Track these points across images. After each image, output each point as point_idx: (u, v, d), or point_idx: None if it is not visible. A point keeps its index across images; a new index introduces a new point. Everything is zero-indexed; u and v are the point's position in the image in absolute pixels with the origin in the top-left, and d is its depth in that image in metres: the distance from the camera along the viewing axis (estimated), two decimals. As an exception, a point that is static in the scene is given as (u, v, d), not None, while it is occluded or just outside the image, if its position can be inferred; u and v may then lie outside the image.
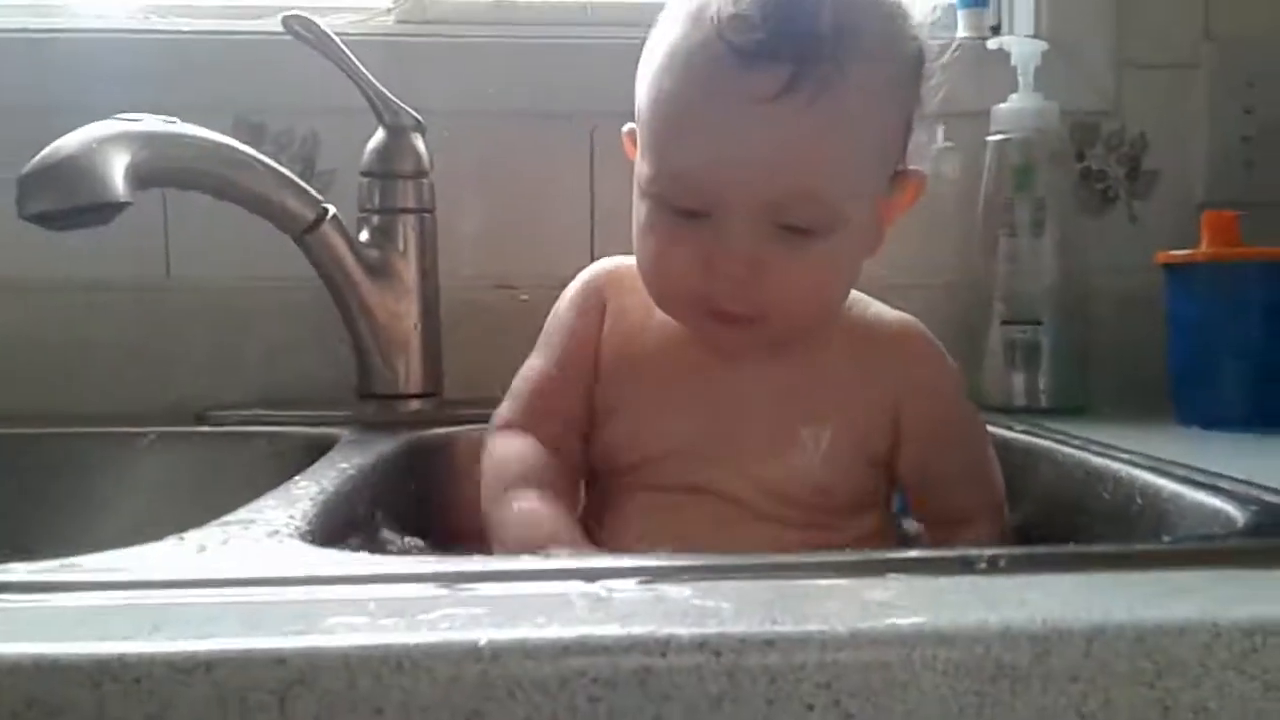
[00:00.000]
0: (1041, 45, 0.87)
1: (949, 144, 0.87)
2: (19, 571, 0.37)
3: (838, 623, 0.30)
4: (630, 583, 0.34)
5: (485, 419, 0.66)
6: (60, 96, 0.87)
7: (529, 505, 0.55)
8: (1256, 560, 0.37)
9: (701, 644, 0.29)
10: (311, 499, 0.50)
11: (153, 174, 0.65)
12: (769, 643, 0.29)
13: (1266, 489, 0.48)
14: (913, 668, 0.29)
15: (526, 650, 0.29)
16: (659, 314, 0.59)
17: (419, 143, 0.81)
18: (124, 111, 0.66)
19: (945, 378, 0.62)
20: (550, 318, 0.65)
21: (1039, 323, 0.85)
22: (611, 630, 0.29)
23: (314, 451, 0.72)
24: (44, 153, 0.61)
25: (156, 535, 0.43)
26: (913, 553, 0.42)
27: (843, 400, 0.58)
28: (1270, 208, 0.94)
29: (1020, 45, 0.87)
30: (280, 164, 0.88)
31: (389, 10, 0.96)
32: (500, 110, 0.91)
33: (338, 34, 0.79)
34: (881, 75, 0.54)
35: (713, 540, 0.54)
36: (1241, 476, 0.51)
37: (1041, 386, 0.85)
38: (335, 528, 0.50)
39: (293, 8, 0.78)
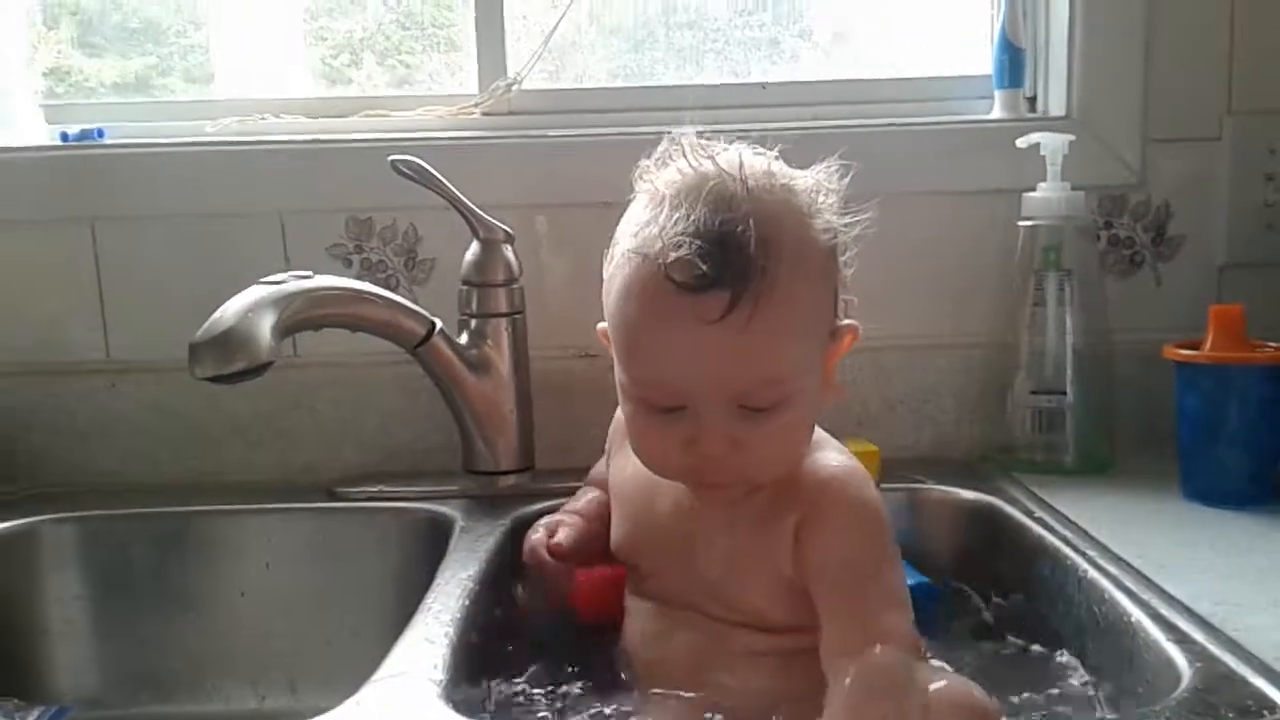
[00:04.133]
0: (1069, 138, 0.95)
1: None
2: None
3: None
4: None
5: (569, 493, 0.85)
6: (202, 202, 1.02)
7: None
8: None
9: None
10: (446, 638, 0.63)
11: (294, 325, 0.78)
12: None
13: (1219, 636, 0.59)
14: None
15: None
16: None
17: (509, 253, 0.93)
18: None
19: (851, 516, 0.64)
20: None
21: (1064, 393, 0.95)
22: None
23: (433, 526, 0.87)
24: (210, 322, 0.74)
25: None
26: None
27: (758, 524, 0.66)
28: (1289, 265, 1.03)
29: (1049, 139, 0.95)
30: (385, 254, 1.02)
31: (476, 105, 1.07)
32: (577, 201, 1.02)
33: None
34: (804, 270, 0.62)
35: (695, 652, 0.68)
36: (1205, 613, 0.62)
37: (1068, 451, 0.96)
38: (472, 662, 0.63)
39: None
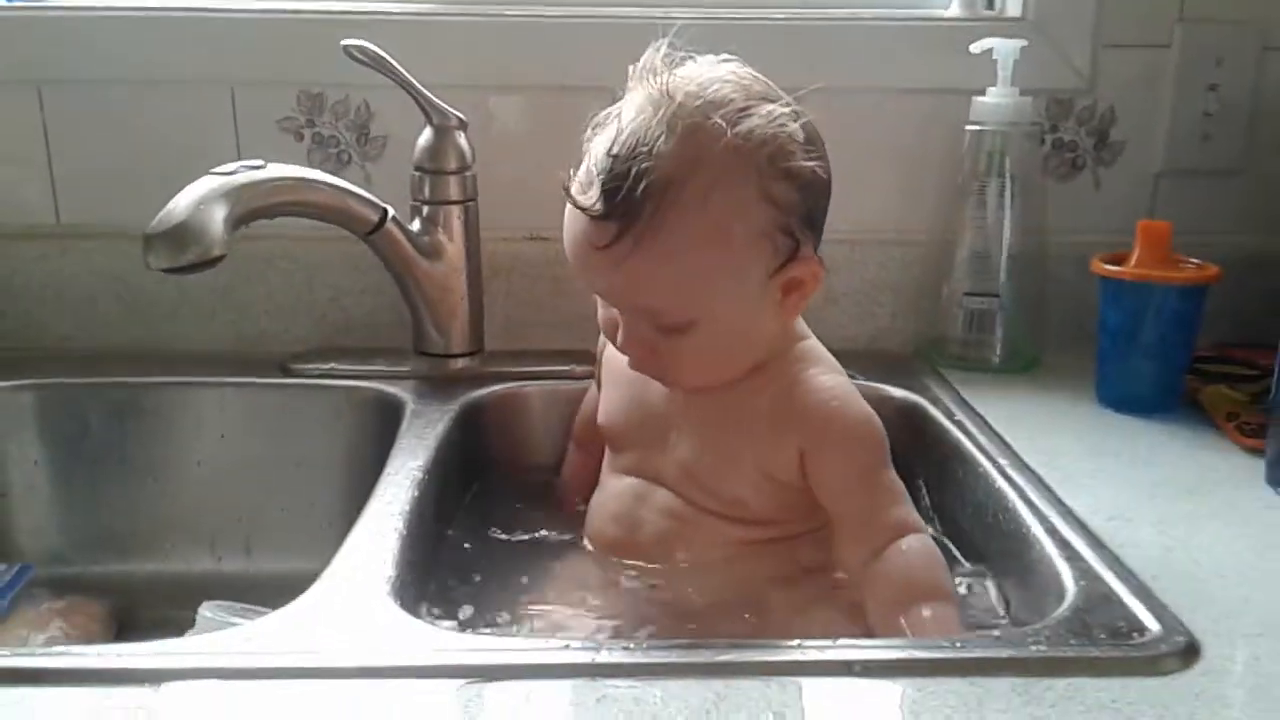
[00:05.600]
0: (1021, 43, 0.96)
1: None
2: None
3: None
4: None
5: (515, 377, 0.94)
6: (153, 70, 1.01)
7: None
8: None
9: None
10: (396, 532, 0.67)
11: (246, 216, 0.79)
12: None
13: (1105, 553, 0.64)
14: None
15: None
16: None
17: (463, 140, 0.93)
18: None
19: (850, 435, 0.71)
20: None
21: (996, 295, 0.99)
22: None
23: (383, 406, 0.91)
24: (161, 214, 0.75)
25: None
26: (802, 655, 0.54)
27: (753, 438, 0.72)
28: (1222, 175, 1.06)
29: (1002, 44, 0.96)
30: (338, 130, 1.02)
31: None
32: (532, 83, 1.02)
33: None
34: (711, 219, 0.64)
35: (665, 520, 0.74)
36: (1097, 527, 0.68)
37: (996, 351, 1.00)
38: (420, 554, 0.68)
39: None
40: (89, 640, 0.84)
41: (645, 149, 0.62)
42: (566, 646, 0.55)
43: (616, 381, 0.79)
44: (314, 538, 0.95)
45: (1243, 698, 0.52)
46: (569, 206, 0.67)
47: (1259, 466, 0.78)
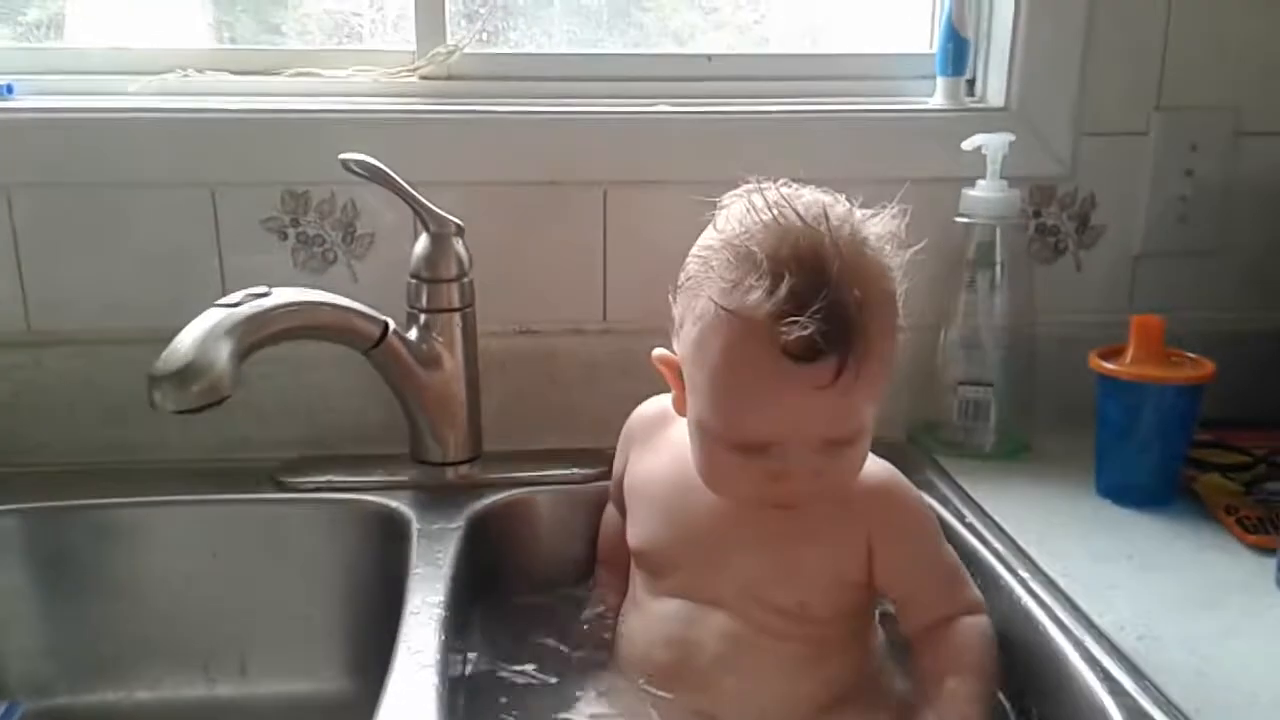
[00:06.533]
0: (1009, 137, 0.98)
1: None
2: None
3: None
4: None
5: (517, 483, 0.93)
6: (129, 172, 0.97)
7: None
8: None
9: None
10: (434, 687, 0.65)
11: (253, 346, 0.77)
12: None
13: (1145, 683, 0.65)
14: None
15: None
16: (672, 457, 0.76)
17: (459, 246, 0.92)
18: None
19: (913, 519, 0.76)
20: None
21: (989, 384, 1.00)
22: None
23: (384, 520, 0.89)
24: (166, 353, 0.73)
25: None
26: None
27: (822, 537, 0.73)
28: (1198, 255, 1.09)
29: (992, 140, 0.97)
30: (323, 229, 1.00)
31: (413, 69, 1.03)
32: (521, 179, 1.01)
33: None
34: (889, 321, 0.68)
35: (717, 641, 0.73)
36: (1129, 650, 0.69)
37: (989, 438, 1.02)
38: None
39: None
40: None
41: (824, 273, 0.63)
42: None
43: (650, 503, 0.78)
44: (312, 656, 0.93)
45: None
46: (746, 367, 0.65)
47: (1267, 566, 0.80)
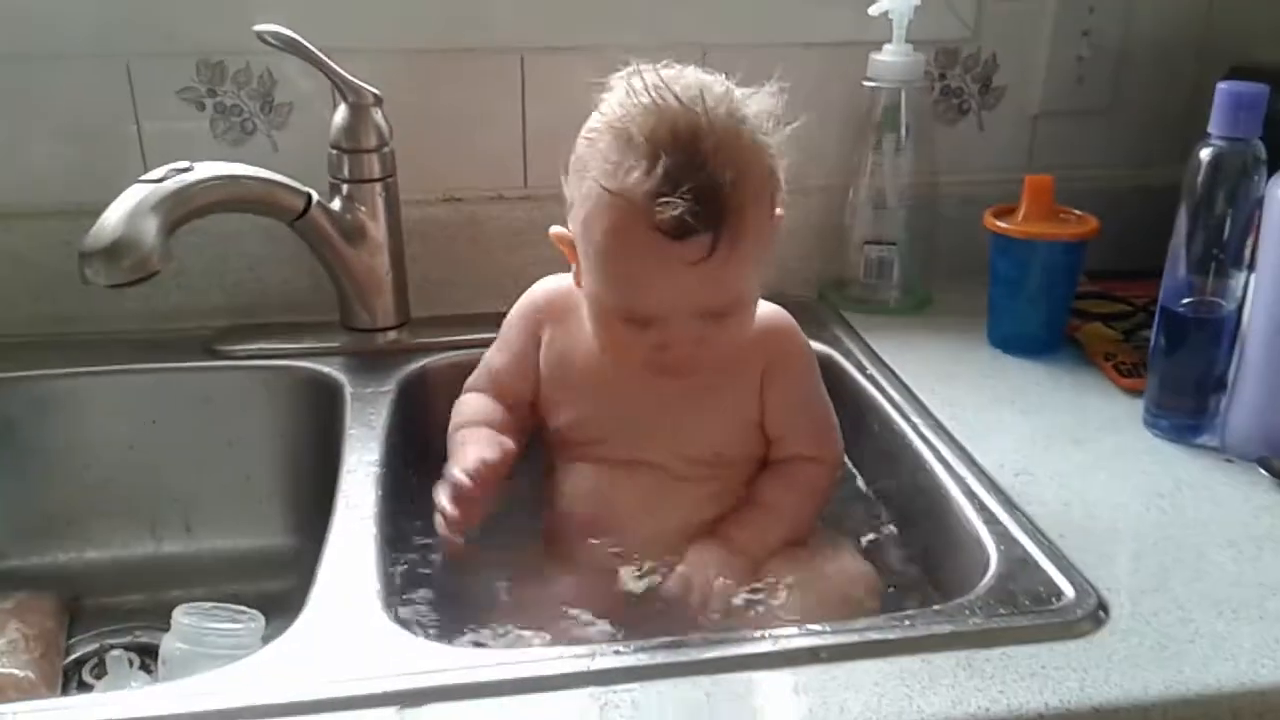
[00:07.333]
0: (915, 1, 1.00)
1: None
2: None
3: None
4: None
5: (445, 347, 0.97)
6: (42, 44, 0.97)
7: (475, 433, 0.80)
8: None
9: None
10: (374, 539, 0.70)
11: (179, 221, 0.79)
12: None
13: (1018, 515, 0.73)
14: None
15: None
16: (590, 334, 0.79)
17: (379, 117, 0.93)
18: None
19: (796, 359, 0.82)
20: (504, 324, 0.85)
21: (894, 243, 1.06)
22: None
23: (318, 385, 0.93)
24: (94, 229, 0.75)
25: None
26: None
27: (729, 383, 0.79)
28: (1093, 115, 1.14)
29: (897, 4, 1.00)
30: (240, 99, 1.00)
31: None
32: (442, 46, 1.02)
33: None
34: (762, 197, 0.71)
35: (642, 496, 0.79)
36: (1007, 485, 0.76)
37: (893, 294, 1.07)
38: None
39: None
40: (49, 638, 0.85)
41: (699, 153, 0.66)
42: (560, 657, 0.60)
43: (578, 384, 0.81)
44: (254, 515, 0.98)
45: (1148, 656, 0.60)
46: (625, 244, 0.68)
47: (1137, 408, 0.87)
